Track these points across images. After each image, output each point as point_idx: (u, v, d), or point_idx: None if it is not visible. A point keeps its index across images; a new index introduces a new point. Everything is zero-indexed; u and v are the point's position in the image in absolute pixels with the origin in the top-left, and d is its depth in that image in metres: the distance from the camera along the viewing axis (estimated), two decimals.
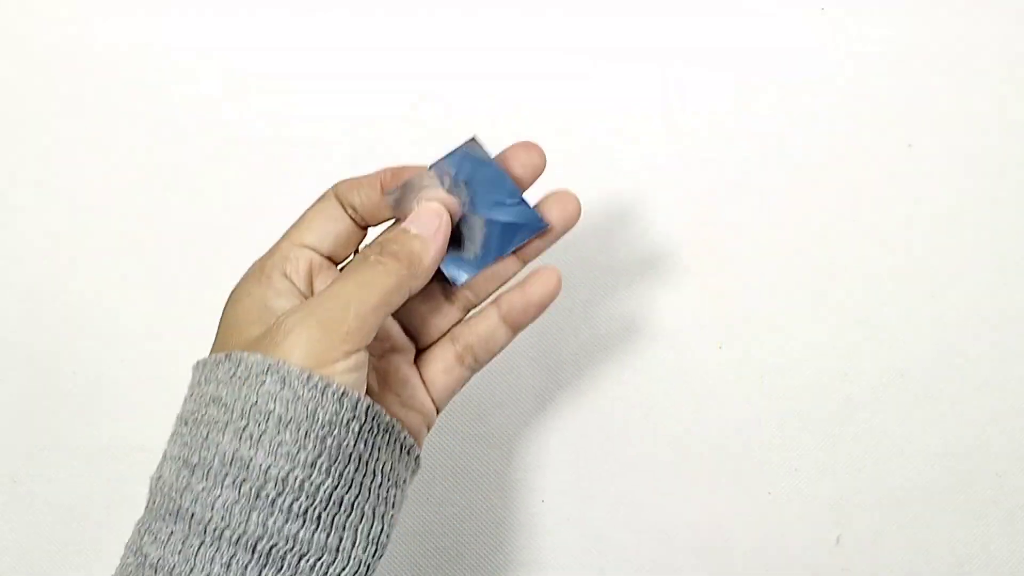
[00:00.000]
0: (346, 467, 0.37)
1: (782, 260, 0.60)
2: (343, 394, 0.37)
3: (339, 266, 0.43)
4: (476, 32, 0.63)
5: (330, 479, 0.36)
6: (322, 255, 0.42)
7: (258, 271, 0.41)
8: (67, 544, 0.58)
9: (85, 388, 0.59)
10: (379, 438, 0.38)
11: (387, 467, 0.39)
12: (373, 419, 0.38)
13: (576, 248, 0.60)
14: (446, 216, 0.41)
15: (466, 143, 0.42)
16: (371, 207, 0.42)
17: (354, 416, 0.37)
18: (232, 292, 0.41)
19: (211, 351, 0.41)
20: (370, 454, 0.38)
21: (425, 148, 0.62)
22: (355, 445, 0.37)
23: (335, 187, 0.43)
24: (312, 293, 0.41)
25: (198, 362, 0.40)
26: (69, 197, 0.62)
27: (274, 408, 0.36)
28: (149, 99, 0.63)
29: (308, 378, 0.36)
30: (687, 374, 0.58)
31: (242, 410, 0.36)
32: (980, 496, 0.56)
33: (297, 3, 0.64)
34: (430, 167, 0.42)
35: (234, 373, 0.37)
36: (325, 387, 0.36)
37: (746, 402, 0.58)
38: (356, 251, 0.44)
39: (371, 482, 0.38)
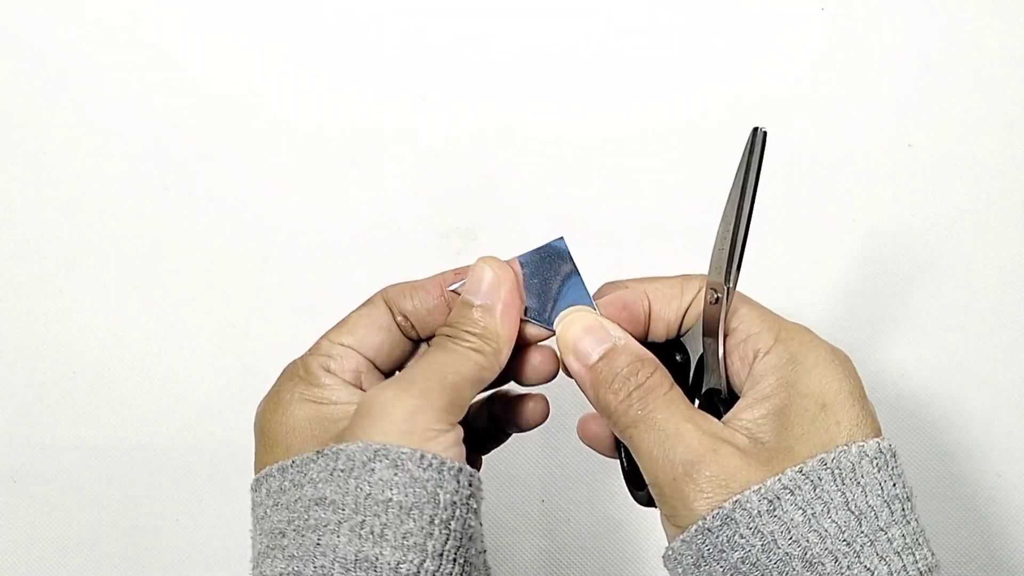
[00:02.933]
0: (469, 548, 0.34)
1: (782, 259, 0.60)
2: (459, 470, 0.34)
3: (389, 375, 0.40)
4: (477, 31, 0.63)
5: (457, 566, 0.33)
6: (367, 358, 0.39)
7: (300, 371, 0.38)
8: (67, 544, 0.58)
9: (85, 388, 0.59)
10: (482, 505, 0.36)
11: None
12: (480, 488, 0.35)
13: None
14: (499, 269, 0.38)
15: (552, 242, 0.40)
16: (426, 313, 0.39)
17: (471, 492, 0.34)
18: (269, 398, 0.38)
19: (259, 462, 0.37)
20: (480, 525, 0.35)
21: (426, 147, 0.62)
22: (475, 523, 0.34)
23: (384, 291, 0.40)
24: (363, 389, 0.38)
25: (263, 474, 0.36)
26: (69, 197, 0.62)
27: (392, 496, 0.32)
28: (149, 99, 0.63)
29: (422, 458, 0.33)
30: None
31: (355, 504, 0.32)
32: (980, 496, 0.56)
33: (299, 1, 0.64)
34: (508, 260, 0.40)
35: (334, 468, 0.33)
36: (441, 465, 0.33)
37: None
38: (401, 367, 0.41)
39: (483, 557, 0.35)
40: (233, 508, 0.59)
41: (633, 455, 0.35)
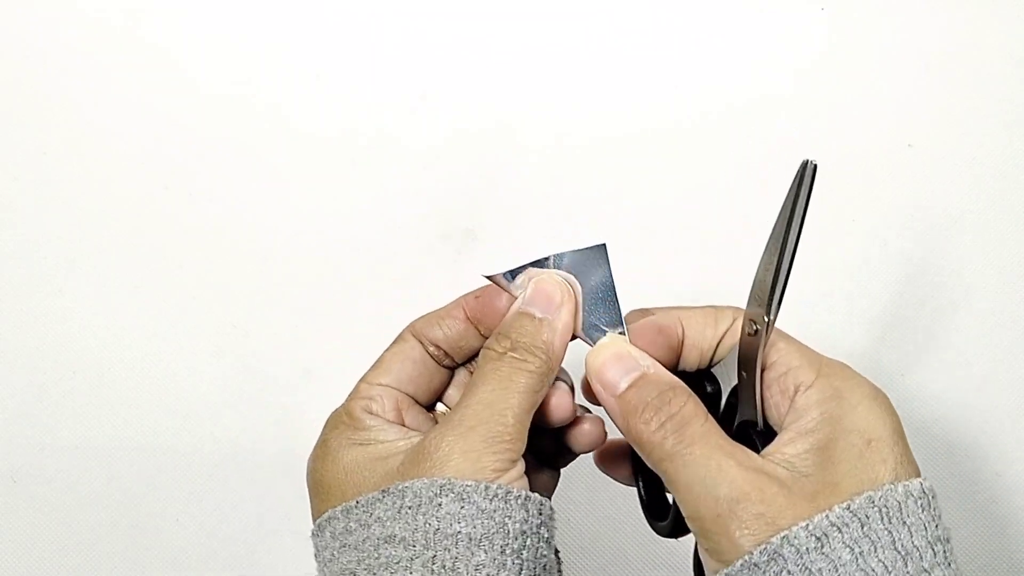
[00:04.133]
0: (544, 574, 0.34)
1: None
2: (526, 499, 0.34)
3: (430, 406, 0.41)
4: (477, 31, 0.63)
5: None
6: (406, 394, 0.39)
7: (343, 417, 0.38)
8: (67, 544, 0.58)
9: (85, 388, 0.59)
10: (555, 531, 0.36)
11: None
12: (551, 517, 0.35)
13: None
14: (567, 289, 0.38)
15: (592, 247, 0.39)
16: (457, 338, 0.39)
17: (541, 521, 0.34)
18: (318, 448, 0.38)
19: (316, 511, 0.37)
20: (555, 552, 0.35)
21: (427, 147, 0.62)
22: (548, 552, 0.35)
23: (411, 326, 0.40)
24: (407, 427, 0.38)
25: (327, 517, 0.36)
26: (69, 197, 0.62)
27: (460, 529, 0.32)
28: (149, 99, 0.63)
29: (486, 489, 0.33)
30: None
31: (425, 540, 0.32)
32: (980, 496, 0.56)
33: (299, 1, 0.64)
34: (543, 259, 0.39)
35: (401, 506, 0.33)
36: (507, 495, 0.33)
37: None
38: (441, 396, 0.41)
39: None
40: (233, 508, 0.59)
41: (668, 487, 0.35)
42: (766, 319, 0.35)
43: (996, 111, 0.61)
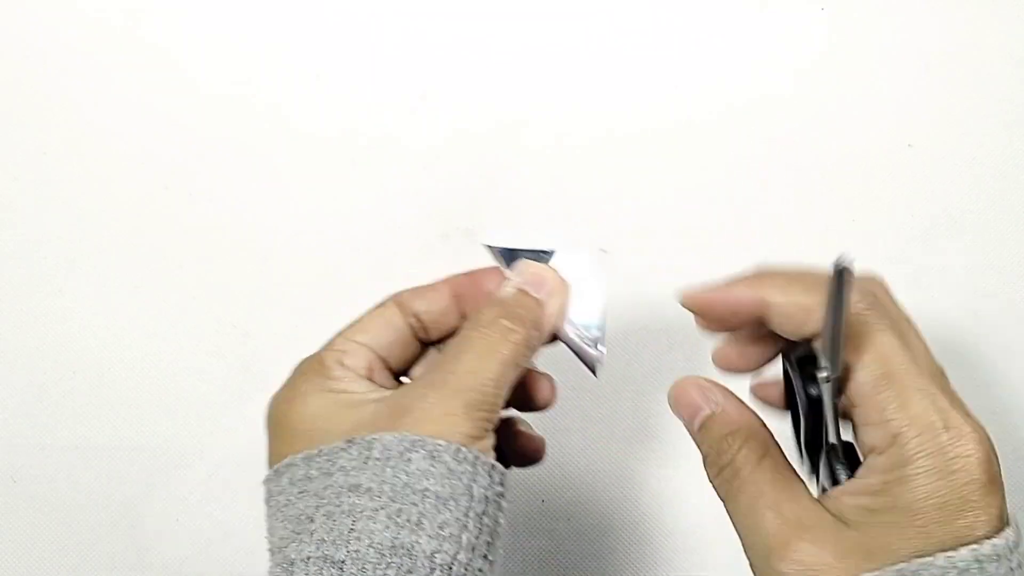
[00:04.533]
0: (494, 544, 0.34)
1: (781, 259, 0.60)
2: (492, 467, 0.34)
3: (400, 371, 0.41)
4: (477, 31, 0.63)
5: (486, 562, 0.34)
6: (379, 356, 0.39)
7: (315, 364, 0.38)
8: (67, 544, 0.58)
9: (85, 388, 0.59)
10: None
11: None
12: (507, 489, 0.36)
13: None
14: (560, 281, 0.39)
15: (592, 254, 0.40)
16: (439, 315, 0.40)
17: (501, 491, 0.35)
18: (285, 390, 0.38)
19: (276, 454, 0.37)
20: (503, 523, 0.36)
21: (427, 147, 0.62)
22: (502, 521, 0.35)
23: (396, 296, 0.40)
24: (376, 385, 0.38)
25: (286, 463, 0.36)
26: (69, 197, 0.62)
27: (428, 486, 0.33)
28: (149, 99, 0.63)
29: (458, 451, 0.33)
30: (695, 370, 0.58)
31: (392, 492, 0.33)
32: None
33: (299, 1, 0.64)
34: (542, 252, 0.40)
35: (368, 456, 0.34)
36: (475, 460, 0.34)
37: (748, 400, 0.58)
38: (408, 370, 0.41)
39: (500, 555, 0.36)
40: (233, 508, 0.59)
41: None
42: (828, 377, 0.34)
43: (996, 111, 0.61)
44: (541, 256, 0.39)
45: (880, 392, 0.33)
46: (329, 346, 0.39)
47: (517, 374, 0.37)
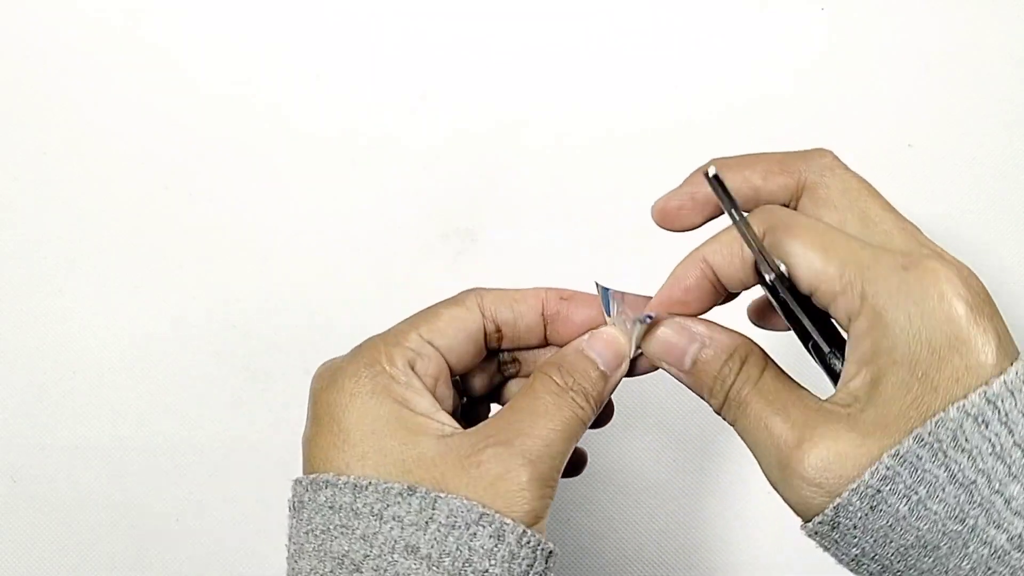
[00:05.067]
0: None
1: None
2: (550, 553, 0.34)
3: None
4: (477, 31, 0.63)
5: None
6: (447, 364, 0.37)
7: (383, 359, 0.35)
8: (67, 544, 0.58)
9: (85, 388, 0.59)
10: None
11: None
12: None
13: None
14: (627, 351, 0.37)
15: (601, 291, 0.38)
16: (524, 330, 0.38)
17: (548, 575, 0.34)
18: (344, 375, 0.35)
19: (319, 449, 0.34)
20: None
21: (426, 147, 0.62)
22: None
23: (478, 294, 0.37)
24: (436, 399, 0.36)
25: (329, 480, 0.33)
26: (69, 197, 0.62)
27: (489, 568, 0.32)
28: (149, 99, 0.63)
29: (523, 535, 0.32)
30: None
31: (453, 568, 0.31)
32: None
33: (299, 1, 0.64)
34: (607, 289, 0.38)
35: (431, 517, 0.32)
36: (536, 546, 0.33)
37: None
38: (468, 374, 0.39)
39: None
40: (233, 508, 0.59)
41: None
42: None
43: (996, 111, 0.61)
44: (644, 320, 0.37)
45: (828, 266, 0.32)
46: (401, 339, 0.35)
47: (569, 454, 0.36)
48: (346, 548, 0.32)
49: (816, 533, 0.32)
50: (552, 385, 0.35)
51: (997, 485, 0.30)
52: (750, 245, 0.33)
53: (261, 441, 0.59)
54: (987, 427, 0.30)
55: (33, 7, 0.64)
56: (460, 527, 0.32)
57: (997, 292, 0.59)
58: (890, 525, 0.30)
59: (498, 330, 0.38)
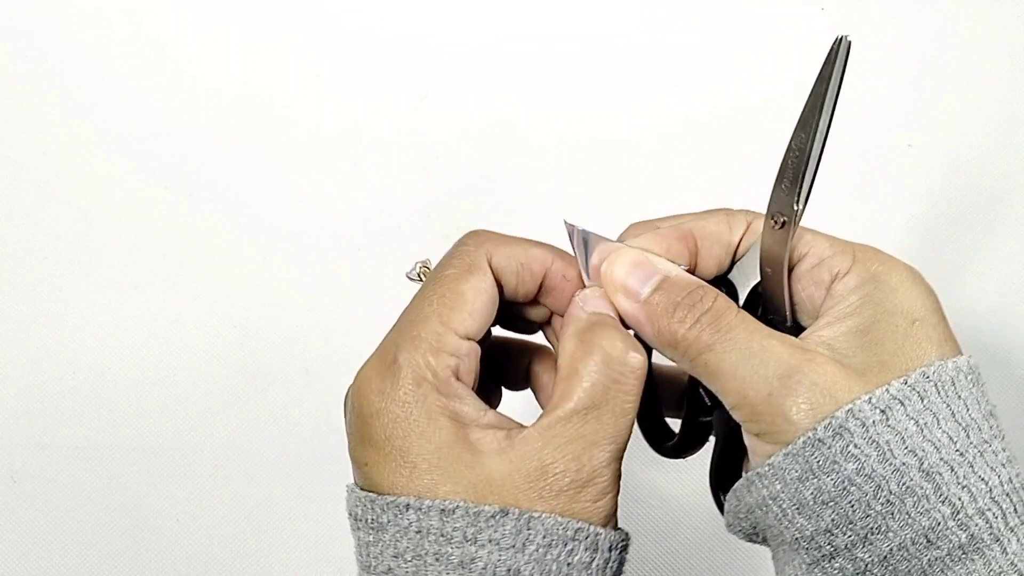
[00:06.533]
0: None
1: None
2: (626, 547, 0.35)
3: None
4: (478, 31, 0.63)
5: None
6: (477, 343, 0.35)
7: (429, 375, 0.33)
8: (67, 544, 0.58)
9: (85, 388, 0.59)
10: None
11: None
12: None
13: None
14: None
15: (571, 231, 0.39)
16: (522, 295, 0.36)
17: (624, 559, 0.35)
18: (395, 398, 0.33)
19: (384, 474, 0.33)
20: None
21: (426, 147, 0.62)
22: None
23: (489, 251, 0.36)
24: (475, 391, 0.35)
25: (411, 506, 0.32)
26: (69, 197, 0.62)
27: None
28: (149, 99, 0.63)
29: (613, 540, 0.33)
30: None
31: None
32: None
33: (299, 2, 0.64)
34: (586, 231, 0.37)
35: (528, 539, 0.31)
36: (622, 543, 0.34)
37: None
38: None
39: None
40: (233, 508, 0.59)
41: (709, 382, 0.33)
42: (795, 208, 0.34)
43: (996, 111, 0.61)
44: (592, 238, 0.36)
45: (820, 234, 0.35)
46: (439, 345, 0.33)
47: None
48: (442, 574, 0.31)
49: (818, 441, 0.30)
50: (610, 373, 0.33)
51: (985, 436, 0.31)
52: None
53: (261, 441, 0.59)
54: (973, 387, 0.32)
55: (33, 7, 0.64)
56: (557, 545, 0.32)
57: (997, 293, 0.59)
58: (897, 441, 0.30)
59: (500, 287, 0.36)
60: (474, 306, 0.34)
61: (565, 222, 0.37)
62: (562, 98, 0.62)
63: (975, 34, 0.62)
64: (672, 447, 0.39)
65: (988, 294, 0.59)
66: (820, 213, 0.60)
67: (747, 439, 0.33)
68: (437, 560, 0.31)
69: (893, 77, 0.62)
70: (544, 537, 0.31)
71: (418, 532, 0.32)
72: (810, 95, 0.33)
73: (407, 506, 0.32)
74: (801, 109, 0.34)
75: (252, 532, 0.59)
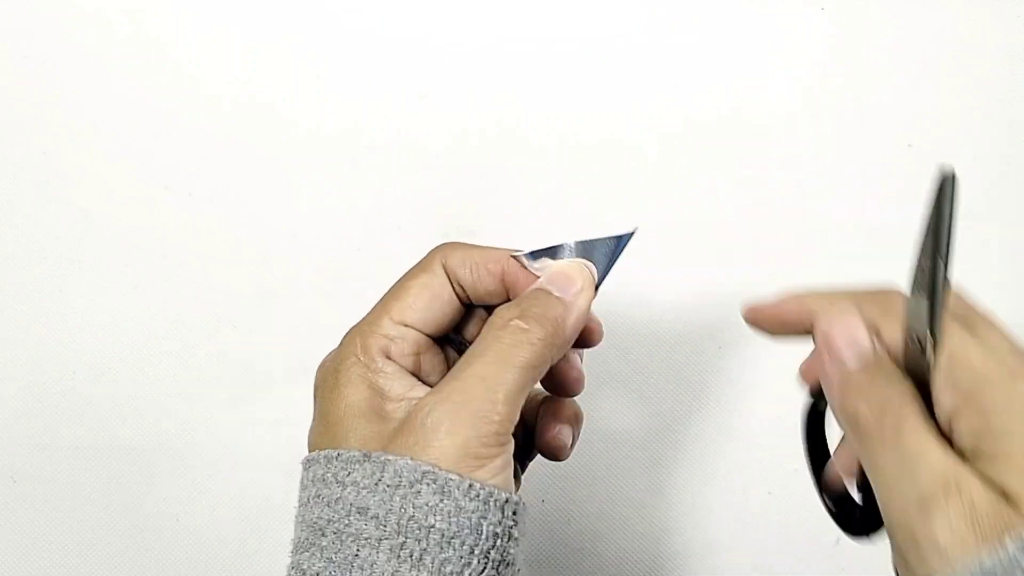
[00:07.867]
0: (504, 572, 0.34)
1: (782, 259, 0.60)
2: (505, 501, 0.33)
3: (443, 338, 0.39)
4: (478, 31, 0.63)
5: None
6: (426, 335, 0.38)
7: (358, 350, 0.37)
8: (67, 544, 0.58)
9: (85, 388, 0.59)
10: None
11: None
12: (525, 516, 0.35)
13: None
14: (588, 276, 0.37)
15: (622, 235, 0.39)
16: (484, 293, 0.38)
17: (515, 523, 0.34)
18: (329, 370, 0.37)
19: (313, 436, 0.37)
20: (519, 550, 0.35)
21: (426, 147, 0.62)
22: (514, 550, 0.34)
23: (443, 254, 0.38)
24: (420, 374, 0.37)
25: (312, 457, 0.36)
26: (69, 197, 0.62)
27: (435, 523, 0.32)
28: (149, 99, 0.63)
29: (469, 487, 0.33)
30: (685, 377, 0.58)
31: (398, 524, 0.32)
32: None
33: (299, 2, 0.64)
34: (557, 247, 0.38)
35: (379, 479, 0.33)
36: (488, 496, 0.33)
37: (746, 404, 0.58)
38: (461, 329, 0.40)
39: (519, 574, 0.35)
40: (233, 508, 0.59)
41: (868, 473, 0.32)
42: (931, 339, 0.33)
43: (996, 111, 0.61)
44: (557, 251, 0.38)
45: (962, 360, 0.33)
46: (374, 326, 0.37)
47: (535, 377, 0.35)
48: (317, 514, 0.34)
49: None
50: (496, 321, 0.35)
51: None
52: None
53: (261, 441, 0.59)
54: None
55: (33, 7, 0.64)
56: (404, 486, 0.33)
57: (997, 293, 0.59)
58: None
59: (463, 290, 0.38)
60: (416, 300, 0.37)
61: (512, 255, 0.39)
62: (562, 98, 0.62)
63: (975, 34, 0.62)
64: (859, 522, 0.37)
65: (989, 294, 0.59)
66: (820, 213, 0.60)
67: (895, 559, 0.31)
68: (315, 502, 0.34)
69: (893, 77, 0.62)
70: (393, 478, 0.33)
71: (312, 480, 0.35)
72: (925, 235, 0.33)
73: (310, 460, 0.36)
74: (919, 245, 0.34)
75: (252, 532, 0.59)
